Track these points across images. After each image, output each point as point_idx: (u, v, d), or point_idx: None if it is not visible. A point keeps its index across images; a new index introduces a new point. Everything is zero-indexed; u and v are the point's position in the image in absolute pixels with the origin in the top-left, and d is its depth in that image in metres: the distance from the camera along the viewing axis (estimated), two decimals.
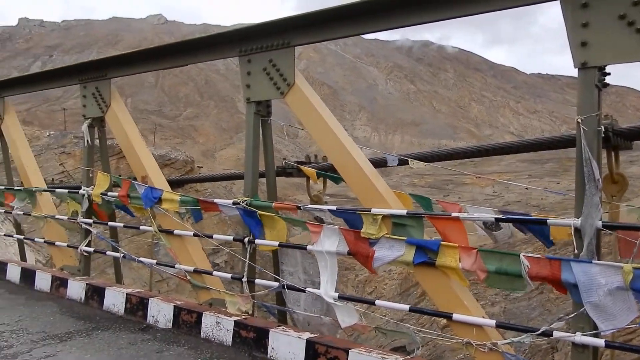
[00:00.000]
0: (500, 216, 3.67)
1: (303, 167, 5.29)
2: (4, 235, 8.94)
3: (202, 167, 52.31)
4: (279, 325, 4.47)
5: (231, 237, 5.33)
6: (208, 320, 4.73)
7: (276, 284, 4.72)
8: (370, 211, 4.12)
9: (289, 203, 4.75)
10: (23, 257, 8.70)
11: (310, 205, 4.65)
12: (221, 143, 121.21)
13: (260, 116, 5.12)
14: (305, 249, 4.51)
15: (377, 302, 4.23)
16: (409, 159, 4.53)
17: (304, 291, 4.54)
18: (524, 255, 3.40)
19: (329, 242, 4.31)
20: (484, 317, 3.79)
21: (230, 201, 4.98)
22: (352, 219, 4.31)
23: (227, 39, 5.28)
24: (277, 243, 4.70)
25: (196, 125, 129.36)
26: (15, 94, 8.07)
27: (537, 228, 3.56)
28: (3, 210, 8.10)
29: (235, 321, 4.56)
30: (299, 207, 4.62)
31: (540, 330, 3.33)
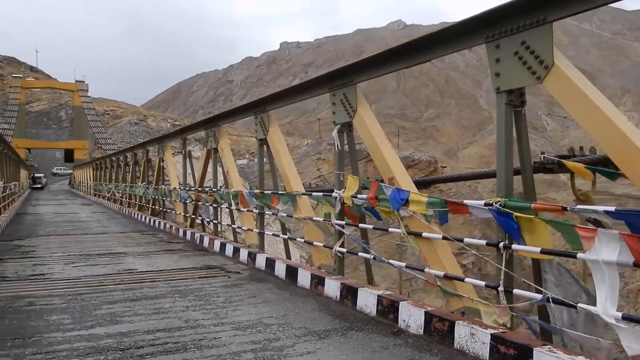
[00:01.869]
0: None
1: (567, 162, 4.57)
2: (272, 234, 10.02)
3: (445, 167, 52.07)
4: (544, 344, 3.89)
5: (484, 242, 4.90)
6: (461, 330, 4.40)
7: (539, 296, 4.13)
8: None
9: (552, 204, 4.11)
10: (288, 255, 9.64)
11: (579, 206, 3.93)
12: (464, 141, 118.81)
13: (513, 107, 4.59)
14: (576, 257, 3.84)
15: None
16: None
17: (574, 307, 3.87)
18: None
19: (607, 251, 3.57)
20: None
21: (482, 202, 4.55)
22: (638, 222, 3.49)
23: (470, 26, 4.89)
24: (538, 249, 4.12)
25: (438, 125, 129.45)
26: (277, 107, 8.99)
27: None
28: (271, 212, 9.08)
29: (492, 334, 4.13)
30: (564, 209, 3.95)
31: None
